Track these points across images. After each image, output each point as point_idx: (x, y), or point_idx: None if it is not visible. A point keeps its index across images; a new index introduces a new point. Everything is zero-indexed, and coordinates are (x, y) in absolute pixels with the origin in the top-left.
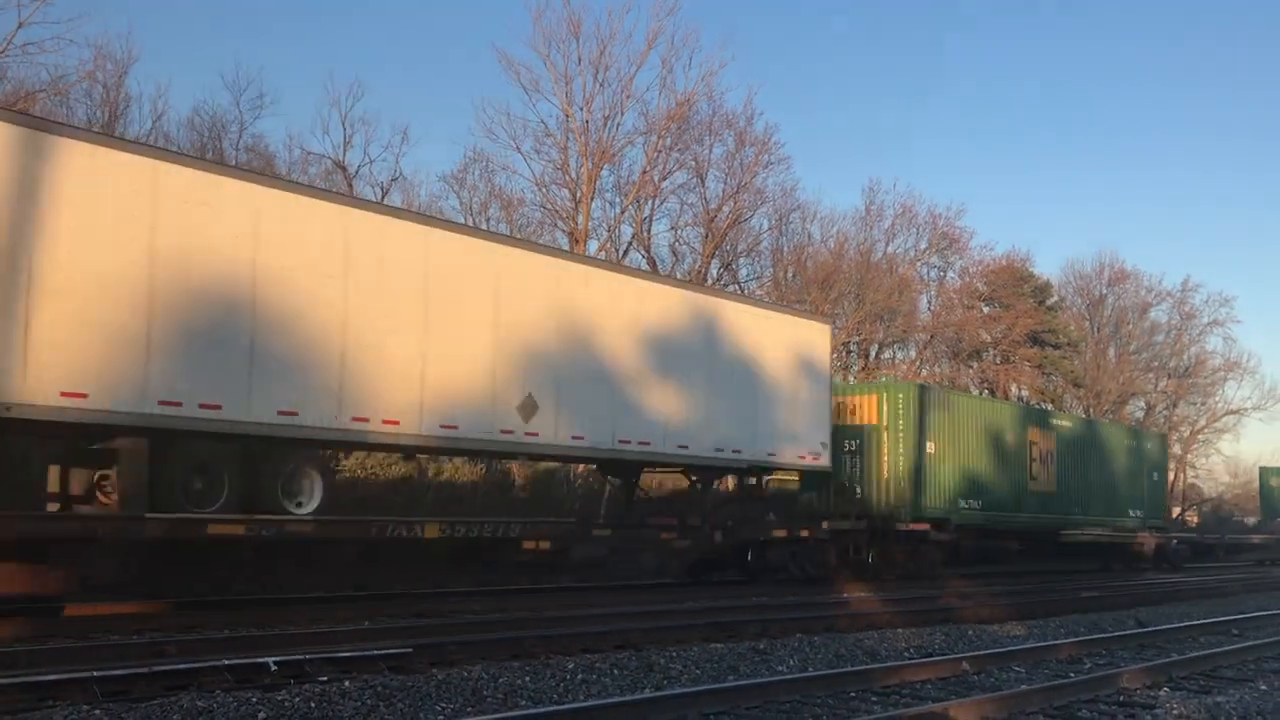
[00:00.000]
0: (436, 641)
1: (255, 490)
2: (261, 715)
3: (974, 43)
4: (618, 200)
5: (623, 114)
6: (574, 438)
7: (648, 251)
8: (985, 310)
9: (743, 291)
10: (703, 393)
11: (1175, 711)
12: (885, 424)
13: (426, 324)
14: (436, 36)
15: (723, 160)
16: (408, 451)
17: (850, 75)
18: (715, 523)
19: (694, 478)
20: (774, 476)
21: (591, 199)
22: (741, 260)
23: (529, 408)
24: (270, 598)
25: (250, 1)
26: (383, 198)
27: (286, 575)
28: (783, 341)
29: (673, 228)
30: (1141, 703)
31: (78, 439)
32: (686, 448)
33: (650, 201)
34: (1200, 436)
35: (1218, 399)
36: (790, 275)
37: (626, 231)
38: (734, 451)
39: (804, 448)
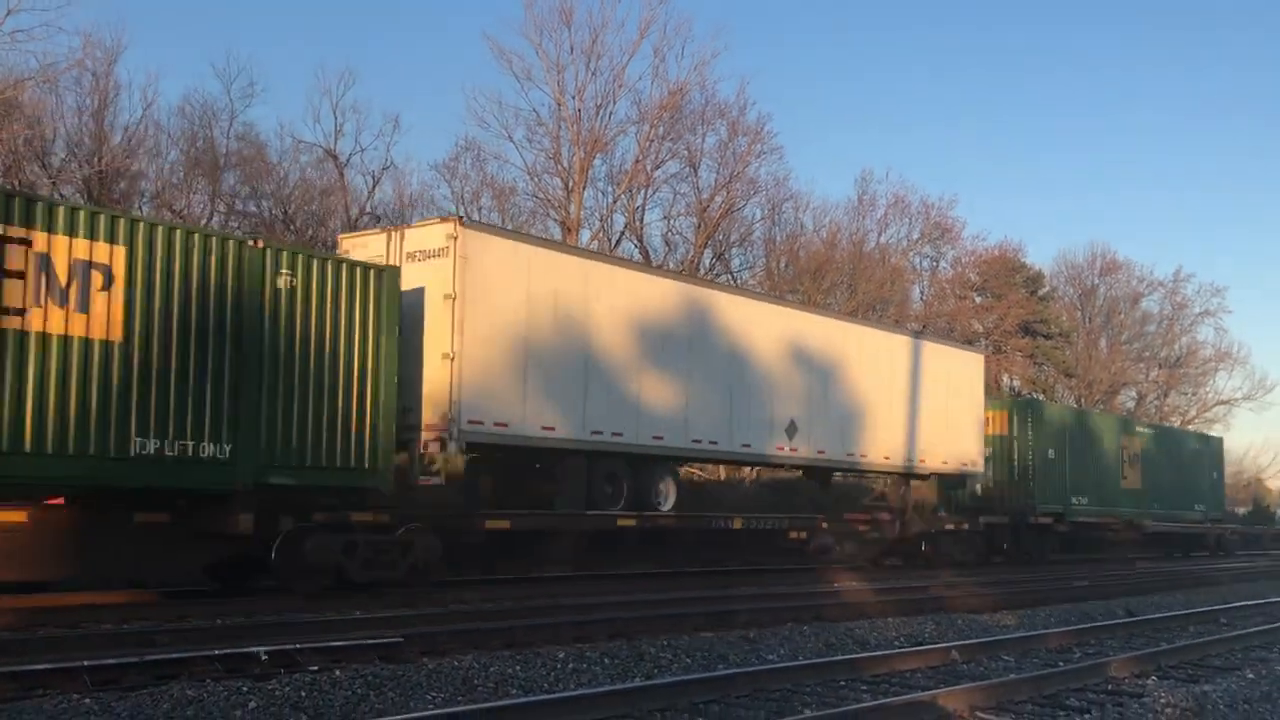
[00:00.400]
0: (428, 631)
1: (637, 493)
2: (252, 704)
3: (967, 33)
4: (610, 190)
5: (615, 103)
6: (819, 452)
7: (640, 241)
8: (977, 300)
9: (735, 282)
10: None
11: (1163, 700)
12: (1015, 434)
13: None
14: (427, 24)
15: (715, 150)
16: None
17: (843, 65)
18: (899, 518)
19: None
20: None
21: (584, 188)
22: (734, 250)
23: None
24: (262, 587)
25: None
26: (374, 187)
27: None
28: (962, 372)
29: (665, 217)
30: (1130, 691)
31: (533, 460)
32: (889, 458)
33: (643, 191)
34: (1191, 426)
35: (1208, 389)
36: (783, 265)
37: (619, 221)
38: (921, 460)
39: (967, 457)
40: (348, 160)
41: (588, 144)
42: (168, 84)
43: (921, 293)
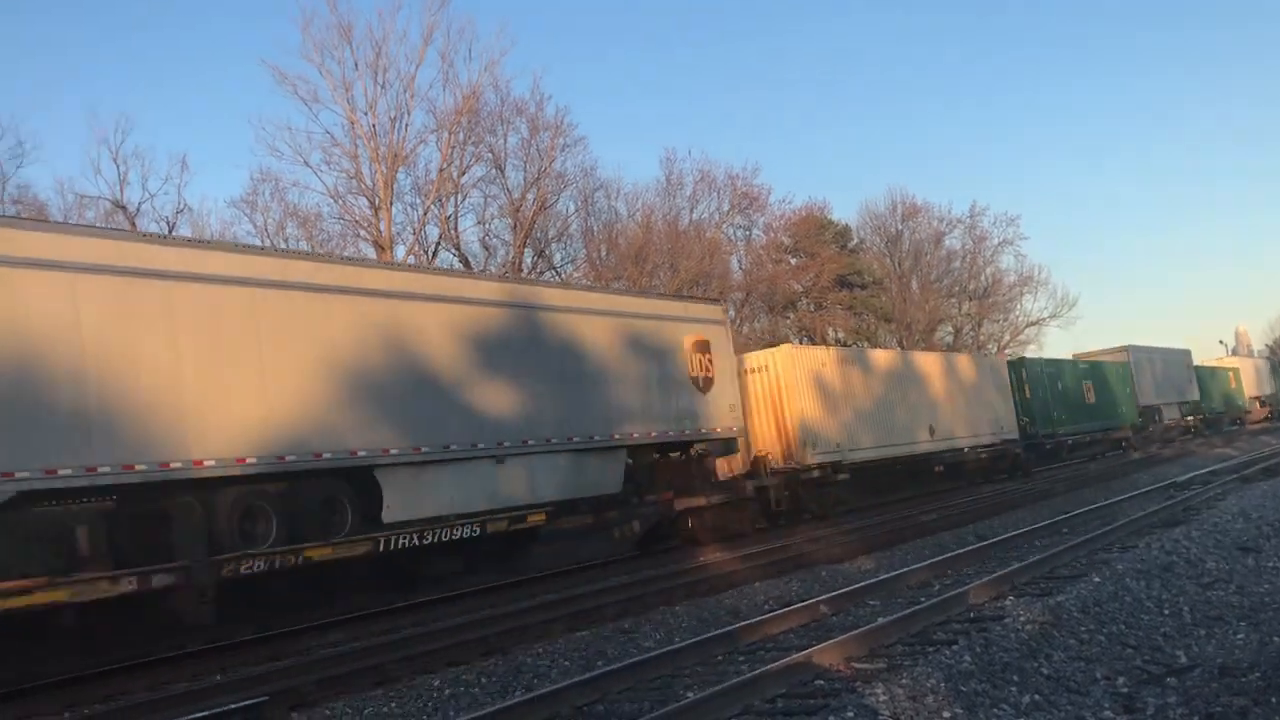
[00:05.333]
0: (293, 684)
1: None
2: None
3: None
4: (419, 202)
5: (410, 114)
6: None
7: (458, 249)
8: (793, 262)
9: (559, 277)
10: None
11: (1022, 618)
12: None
13: None
14: (201, 58)
15: (519, 148)
16: None
17: (633, 47)
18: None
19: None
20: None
21: (391, 204)
22: (554, 245)
23: None
24: (107, 668)
25: None
26: (170, 231)
27: None
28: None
29: (479, 222)
30: (990, 615)
31: None
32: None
33: (453, 198)
34: (1006, 351)
35: (1017, 313)
36: (604, 253)
37: (433, 232)
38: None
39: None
40: (138, 209)
41: (388, 159)
42: None
43: (740, 262)
